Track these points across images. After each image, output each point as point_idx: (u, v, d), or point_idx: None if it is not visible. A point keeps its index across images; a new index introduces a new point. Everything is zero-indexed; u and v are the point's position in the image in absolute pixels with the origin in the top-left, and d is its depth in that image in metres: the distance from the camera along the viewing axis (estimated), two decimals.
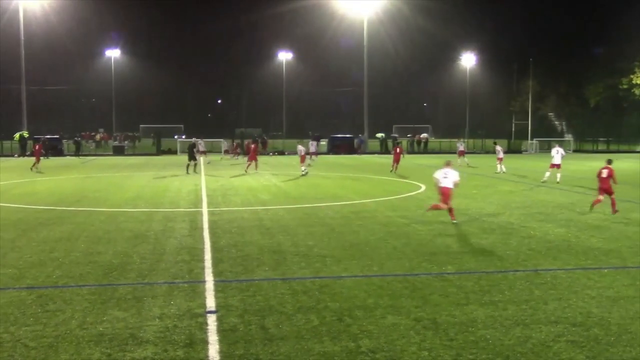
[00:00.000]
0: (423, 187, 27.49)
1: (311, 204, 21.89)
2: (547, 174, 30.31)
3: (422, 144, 72.87)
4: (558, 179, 29.77)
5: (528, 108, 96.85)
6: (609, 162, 20.44)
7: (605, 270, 11.94)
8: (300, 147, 37.49)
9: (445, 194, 17.72)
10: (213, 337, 8.25)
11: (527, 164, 48.17)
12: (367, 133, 71.50)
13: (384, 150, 68.37)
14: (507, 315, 9.16)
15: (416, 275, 11.52)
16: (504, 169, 36.89)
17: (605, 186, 19.61)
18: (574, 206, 21.32)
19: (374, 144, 73.03)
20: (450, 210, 17.72)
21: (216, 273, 11.64)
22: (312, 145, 50.41)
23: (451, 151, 68.32)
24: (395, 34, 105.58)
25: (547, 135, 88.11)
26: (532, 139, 77.53)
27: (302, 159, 36.14)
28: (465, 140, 55.40)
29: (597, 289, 10.59)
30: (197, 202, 22.39)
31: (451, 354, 7.69)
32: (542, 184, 29.30)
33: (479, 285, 10.85)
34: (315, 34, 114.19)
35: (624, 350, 7.80)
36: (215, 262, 12.50)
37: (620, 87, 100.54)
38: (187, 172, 35.25)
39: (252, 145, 38.88)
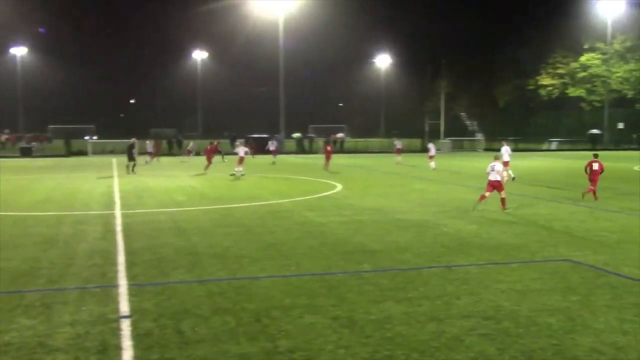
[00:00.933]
0: (339, 187, 27.75)
1: (228, 205, 21.73)
2: (509, 172, 30.72)
3: (339, 144, 73.50)
4: (512, 176, 30.46)
5: (441, 108, 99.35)
6: (596, 156, 23.65)
7: (515, 265, 12.36)
8: (240, 148, 36.03)
9: (495, 186, 20.05)
10: (127, 343, 8.06)
11: (441, 162, 49.30)
12: (284, 133, 71.54)
13: (301, 150, 68.69)
14: (422, 311, 9.36)
15: (333, 274, 11.61)
16: (434, 165, 39.31)
17: (595, 178, 22.62)
18: (486, 203, 21.94)
19: (290, 144, 73.11)
20: (503, 201, 19.97)
21: (130, 277, 11.38)
22: (272, 144, 50.86)
23: (366, 150, 69.32)
24: (312, 34, 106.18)
25: (459, 135, 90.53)
26: (445, 138, 79.46)
27: (240, 160, 34.51)
28: (401, 138, 57.20)
29: (507, 283, 10.95)
30: (110, 205, 21.83)
31: (368, 351, 7.79)
32: (512, 181, 29.40)
33: (395, 282, 11.03)
34: (230, 34, 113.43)
35: (532, 341, 8.10)
36: (129, 266, 12.22)
37: (528, 88, 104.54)
38: (127, 173, 35.61)
39: (208, 147, 38.95)
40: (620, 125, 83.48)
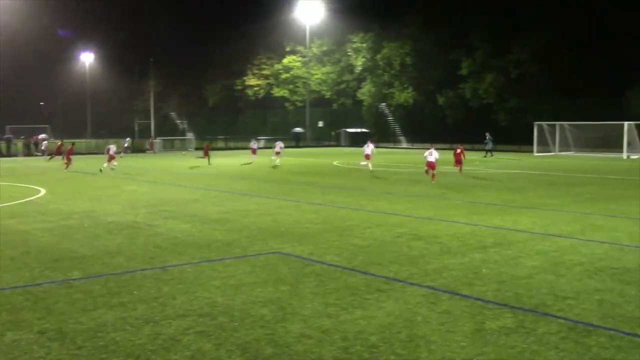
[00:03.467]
0: (43, 191, 26.03)
1: None
2: (363, 163, 35.66)
3: (40, 146, 68.74)
4: (371, 167, 34.98)
5: (150, 107, 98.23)
6: (460, 144, 34.77)
7: (228, 261, 12.68)
8: (110, 146, 38.93)
9: (432, 166, 28.47)
10: None
11: (151, 162, 48.81)
12: None
13: None
14: (137, 315, 9.16)
15: (38, 285, 10.84)
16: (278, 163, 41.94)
17: (458, 158, 32.29)
18: (198, 202, 22.23)
19: None
20: (433, 176, 28.39)
21: None
22: (111, 149, 51.22)
23: (74, 152, 65.84)
24: (5, 27, 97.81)
25: (170, 134, 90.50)
26: (155, 138, 78.69)
27: (111, 157, 37.77)
28: (258, 139, 55.95)
29: (221, 279, 11.18)
30: None
31: None
32: (371, 172, 34.04)
33: (107, 288, 10.65)
34: None
35: (247, 333, 8.38)
36: None
37: (235, 88, 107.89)
38: None
39: (70, 147, 42.56)
40: (320, 124, 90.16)
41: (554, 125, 59.55)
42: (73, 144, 45.73)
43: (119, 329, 8.56)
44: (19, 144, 67.98)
